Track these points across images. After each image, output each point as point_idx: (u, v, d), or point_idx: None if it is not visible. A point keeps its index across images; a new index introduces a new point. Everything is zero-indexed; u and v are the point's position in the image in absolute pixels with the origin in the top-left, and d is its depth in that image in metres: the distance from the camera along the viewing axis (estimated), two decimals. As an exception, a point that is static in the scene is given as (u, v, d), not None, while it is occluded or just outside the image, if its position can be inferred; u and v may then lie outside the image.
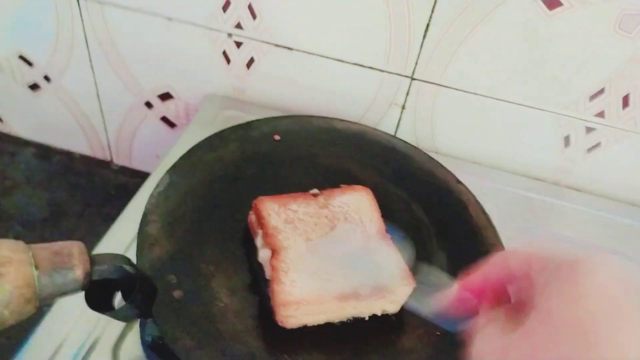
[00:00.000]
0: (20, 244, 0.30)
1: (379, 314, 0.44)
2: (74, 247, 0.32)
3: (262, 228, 0.46)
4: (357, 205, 0.50)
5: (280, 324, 0.41)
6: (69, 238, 0.32)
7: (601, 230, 0.64)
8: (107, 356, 0.42)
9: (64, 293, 0.31)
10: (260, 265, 0.46)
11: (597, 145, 0.65)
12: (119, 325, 0.44)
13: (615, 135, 0.64)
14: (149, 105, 0.79)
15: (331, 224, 0.47)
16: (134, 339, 0.43)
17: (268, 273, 0.44)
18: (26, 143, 0.92)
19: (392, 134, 0.63)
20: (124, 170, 0.91)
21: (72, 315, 0.45)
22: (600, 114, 0.62)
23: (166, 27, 0.69)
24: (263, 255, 0.45)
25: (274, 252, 0.43)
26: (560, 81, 0.61)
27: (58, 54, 0.76)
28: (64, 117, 0.85)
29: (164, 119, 0.81)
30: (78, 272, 0.31)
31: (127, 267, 0.35)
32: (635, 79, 0.59)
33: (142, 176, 0.74)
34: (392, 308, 0.44)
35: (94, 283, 0.34)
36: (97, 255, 0.34)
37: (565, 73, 0.60)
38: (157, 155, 0.86)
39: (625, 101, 0.60)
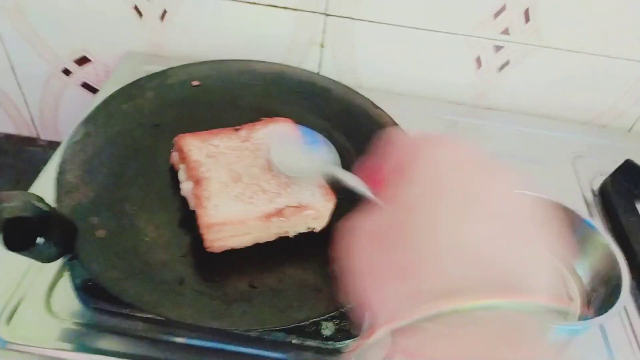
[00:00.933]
0: None
1: (304, 231, 0.46)
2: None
3: (183, 162, 0.47)
4: (278, 136, 0.51)
5: (208, 250, 0.42)
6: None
7: (522, 144, 0.68)
8: (40, 304, 0.42)
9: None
10: (185, 201, 0.47)
11: (507, 63, 0.68)
12: (49, 273, 0.44)
13: (522, 51, 0.67)
14: (67, 72, 0.77)
15: (253, 156, 0.48)
16: (65, 285, 0.43)
17: (192, 204, 0.44)
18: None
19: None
20: (52, 145, 0.88)
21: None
22: (505, 31, 0.65)
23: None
24: (186, 187, 0.45)
25: (196, 183, 0.44)
26: (466, 2, 0.63)
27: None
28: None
29: (85, 85, 0.79)
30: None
31: (38, 204, 0.35)
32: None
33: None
34: (317, 224, 0.46)
35: (10, 223, 0.34)
36: (4, 193, 0.34)
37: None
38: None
39: (527, 16, 0.63)
